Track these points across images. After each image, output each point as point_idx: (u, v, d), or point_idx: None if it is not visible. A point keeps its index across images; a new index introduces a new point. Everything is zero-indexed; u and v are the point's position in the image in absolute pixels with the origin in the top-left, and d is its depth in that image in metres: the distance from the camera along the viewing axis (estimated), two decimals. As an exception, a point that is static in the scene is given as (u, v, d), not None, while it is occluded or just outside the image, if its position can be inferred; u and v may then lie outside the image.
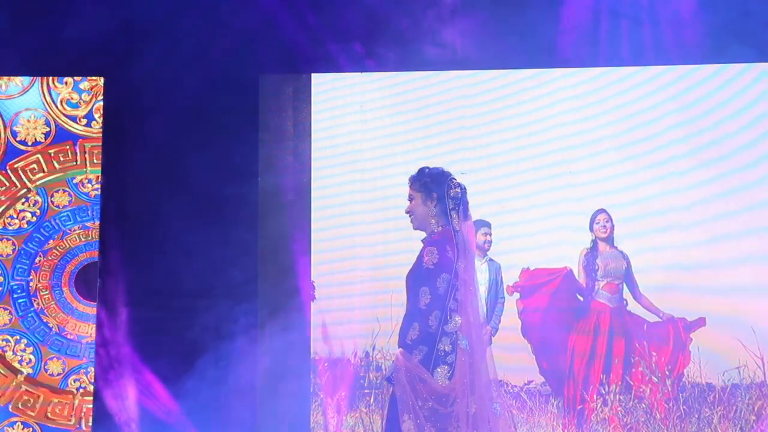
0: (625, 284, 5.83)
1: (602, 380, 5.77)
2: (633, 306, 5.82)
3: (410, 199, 4.16)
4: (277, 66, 6.05)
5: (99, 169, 5.89)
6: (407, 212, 4.18)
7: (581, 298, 5.86)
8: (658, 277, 5.76)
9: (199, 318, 5.83)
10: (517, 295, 5.92)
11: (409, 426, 3.85)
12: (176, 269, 5.89)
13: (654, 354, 5.75)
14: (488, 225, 5.88)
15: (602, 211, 5.84)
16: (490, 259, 5.93)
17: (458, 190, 4.08)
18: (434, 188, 4.07)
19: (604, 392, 5.76)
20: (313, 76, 6.06)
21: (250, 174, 5.97)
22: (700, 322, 5.71)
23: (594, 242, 5.86)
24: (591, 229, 5.87)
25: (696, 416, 5.70)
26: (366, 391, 5.96)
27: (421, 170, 4.16)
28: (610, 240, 5.84)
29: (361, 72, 6.06)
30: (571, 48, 5.85)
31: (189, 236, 5.89)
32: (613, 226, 5.84)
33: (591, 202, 5.87)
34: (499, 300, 5.91)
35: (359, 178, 6.04)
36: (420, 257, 4.03)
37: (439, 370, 3.88)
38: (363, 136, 6.08)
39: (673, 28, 5.75)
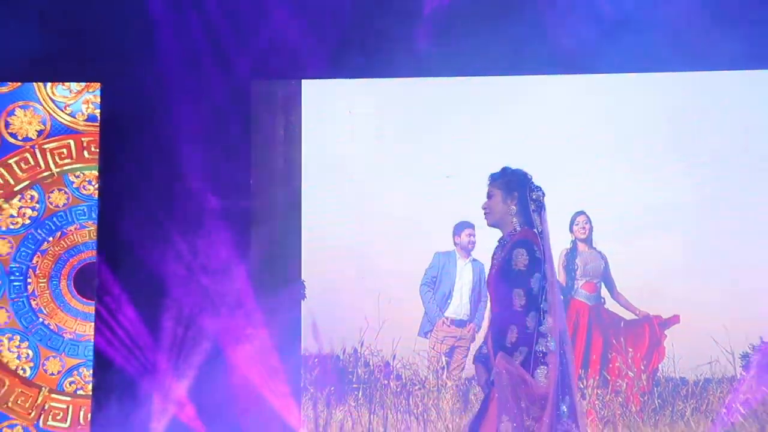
0: (603, 283, 6.13)
1: (581, 375, 6.06)
2: (610, 304, 6.13)
3: (489, 196, 4.13)
4: (268, 72, 6.29)
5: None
6: (484, 208, 4.14)
7: (561, 297, 6.13)
8: (635, 277, 6.06)
9: (193, 316, 6.10)
10: None
11: (507, 427, 3.91)
12: (171, 270, 6.14)
13: (630, 350, 6.04)
14: (472, 226, 6.14)
15: (581, 213, 6.12)
16: (474, 259, 6.21)
17: (539, 193, 4.10)
18: (515, 188, 4.07)
19: (582, 386, 6.04)
20: (303, 82, 6.30)
21: (242, 177, 6.22)
22: (675, 319, 6.01)
23: (573, 243, 6.15)
24: (570, 230, 6.15)
25: (670, 409, 6.01)
26: (354, 385, 6.24)
27: (504, 169, 4.13)
28: (588, 241, 6.12)
29: (351, 78, 6.32)
30: (556, 55, 6.12)
31: (183, 237, 6.14)
32: (591, 228, 6.12)
33: (571, 204, 6.16)
34: (482, 298, 6.19)
35: (348, 181, 6.31)
36: (506, 260, 4.01)
37: (538, 371, 3.89)
38: (352, 140, 6.34)
39: (660, 34, 6.03)
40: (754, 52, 6.00)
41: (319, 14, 6.24)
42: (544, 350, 3.92)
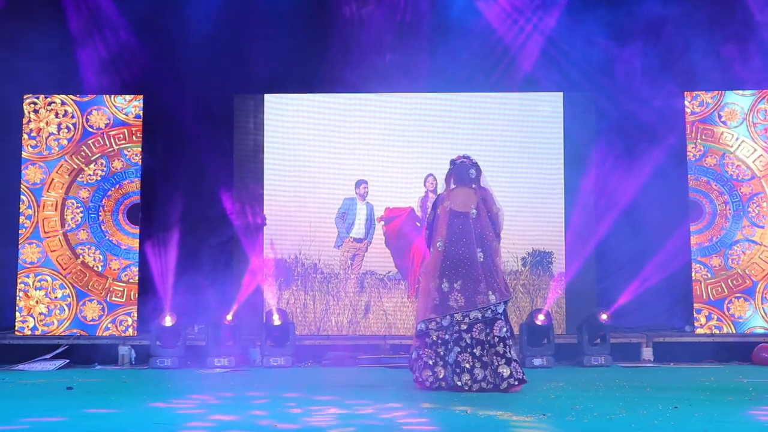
0: (443, 217, 9.92)
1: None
2: (448, 229, 9.92)
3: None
4: (245, 88, 9.90)
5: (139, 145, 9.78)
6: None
7: (419, 224, 9.78)
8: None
9: (198, 241, 9.79)
10: (383, 222, 9.85)
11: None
12: (185, 211, 9.78)
13: (459, 256, 9.85)
14: (366, 182, 9.85)
15: (431, 174, 9.77)
16: (367, 202, 9.89)
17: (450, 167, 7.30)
18: (448, 175, 7.35)
19: (431, 278, 9.81)
20: (265, 95, 9.89)
21: (228, 154, 9.83)
22: None
23: (426, 192, 9.88)
24: (425, 185, 9.89)
25: None
26: (296, 277, 9.80)
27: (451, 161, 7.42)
28: (435, 191, 9.74)
29: (293, 93, 9.97)
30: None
31: (194, 195, 9.74)
32: (437, 184, 9.80)
33: (425, 169, 9.84)
34: (373, 225, 9.90)
35: (292, 155, 9.83)
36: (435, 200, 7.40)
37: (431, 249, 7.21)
38: (294, 130, 9.85)
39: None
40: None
41: (276, 51, 9.84)
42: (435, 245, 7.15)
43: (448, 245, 7.15)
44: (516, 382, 7.00)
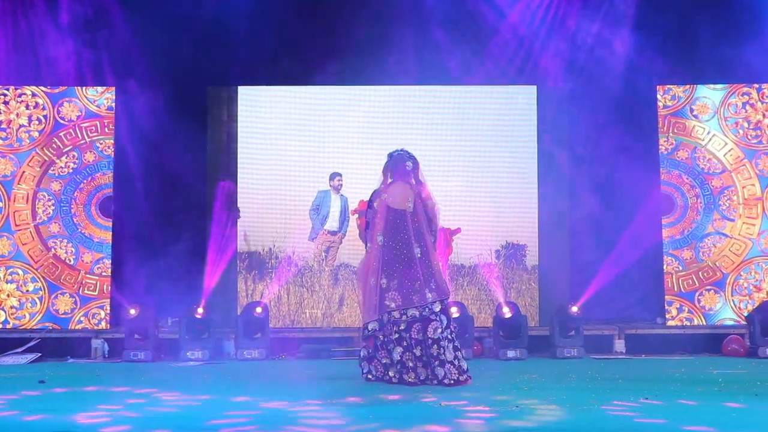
0: (417, 209, 9.97)
1: (404, 264, 9.86)
2: (422, 222, 9.97)
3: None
4: (218, 81, 9.91)
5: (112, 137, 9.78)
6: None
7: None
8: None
9: (175, 232, 9.75)
10: (357, 215, 9.75)
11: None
12: (158, 204, 9.80)
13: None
14: (340, 175, 9.90)
15: None
16: (341, 195, 9.95)
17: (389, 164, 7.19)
18: (385, 168, 7.30)
19: (405, 271, 9.86)
20: (239, 87, 9.92)
21: (202, 146, 9.87)
22: (457, 230, 9.92)
23: None
24: None
25: (456, 282, 9.94)
26: (270, 270, 9.86)
27: (389, 154, 7.32)
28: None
29: (265, 86, 10.00)
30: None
31: (167, 187, 9.75)
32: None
33: None
34: (346, 218, 9.95)
35: (265, 147, 9.90)
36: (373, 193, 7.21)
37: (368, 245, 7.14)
38: (268, 122, 9.89)
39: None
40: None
41: (250, 44, 9.80)
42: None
43: (387, 240, 7.12)
44: (452, 382, 6.94)
